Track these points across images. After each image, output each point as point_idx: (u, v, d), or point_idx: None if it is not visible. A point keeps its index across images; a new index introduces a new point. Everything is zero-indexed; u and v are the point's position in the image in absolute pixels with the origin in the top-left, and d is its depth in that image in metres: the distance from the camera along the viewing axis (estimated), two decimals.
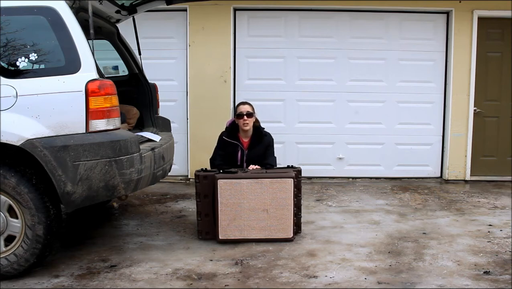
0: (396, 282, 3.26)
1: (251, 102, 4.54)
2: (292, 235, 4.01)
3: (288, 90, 6.48)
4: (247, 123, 4.38)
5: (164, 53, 6.39)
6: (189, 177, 6.43)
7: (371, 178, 6.58)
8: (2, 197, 3.25)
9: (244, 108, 4.39)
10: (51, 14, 3.26)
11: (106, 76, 3.67)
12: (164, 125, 4.83)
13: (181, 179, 6.50)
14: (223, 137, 4.45)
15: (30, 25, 3.30)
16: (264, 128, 4.53)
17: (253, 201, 3.93)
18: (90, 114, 3.22)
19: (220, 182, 3.91)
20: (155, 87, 4.87)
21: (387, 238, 4.15)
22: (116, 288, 3.19)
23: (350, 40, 6.44)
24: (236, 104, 4.72)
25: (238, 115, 4.39)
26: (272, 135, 4.55)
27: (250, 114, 4.38)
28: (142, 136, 4.11)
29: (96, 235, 4.27)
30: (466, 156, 6.50)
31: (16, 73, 3.25)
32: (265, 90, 6.44)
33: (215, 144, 4.49)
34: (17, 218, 3.28)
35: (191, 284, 3.25)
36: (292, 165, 4.33)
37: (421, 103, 6.52)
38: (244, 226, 3.95)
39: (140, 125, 4.73)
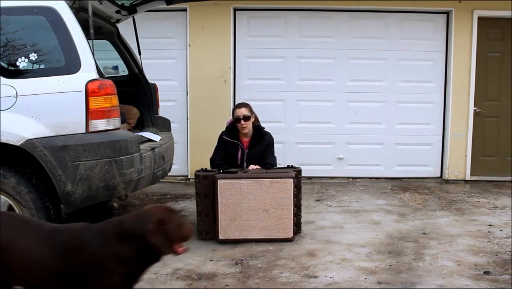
0: (396, 282, 3.26)
1: (250, 102, 4.53)
2: (292, 235, 4.00)
3: (288, 90, 6.48)
4: (245, 126, 4.37)
5: (164, 53, 6.38)
6: (189, 177, 6.43)
7: (371, 178, 6.58)
8: (2, 197, 3.25)
9: (241, 112, 4.36)
10: (51, 14, 3.26)
11: (106, 76, 3.67)
12: (164, 125, 4.83)
13: (181, 179, 6.50)
14: (224, 137, 4.44)
15: (30, 25, 3.30)
16: (264, 128, 4.53)
17: (253, 201, 3.93)
18: (90, 114, 3.23)
19: (220, 182, 3.91)
20: (155, 87, 4.87)
21: (387, 238, 4.15)
22: None
23: (350, 40, 6.44)
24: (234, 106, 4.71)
25: (235, 119, 4.39)
26: (272, 135, 4.54)
27: (247, 118, 4.36)
28: (142, 136, 4.11)
29: None
30: (466, 156, 6.50)
31: (16, 73, 3.25)
32: (265, 90, 6.43)
33: (215, 144, 4.49)
34: None
35: (191, 284, 3.25)
36: (292, 165, 4.33)
37: (421, 103, 6.52)
38: (244, 226, 3.95)
39: (140, 125, 4.73)
